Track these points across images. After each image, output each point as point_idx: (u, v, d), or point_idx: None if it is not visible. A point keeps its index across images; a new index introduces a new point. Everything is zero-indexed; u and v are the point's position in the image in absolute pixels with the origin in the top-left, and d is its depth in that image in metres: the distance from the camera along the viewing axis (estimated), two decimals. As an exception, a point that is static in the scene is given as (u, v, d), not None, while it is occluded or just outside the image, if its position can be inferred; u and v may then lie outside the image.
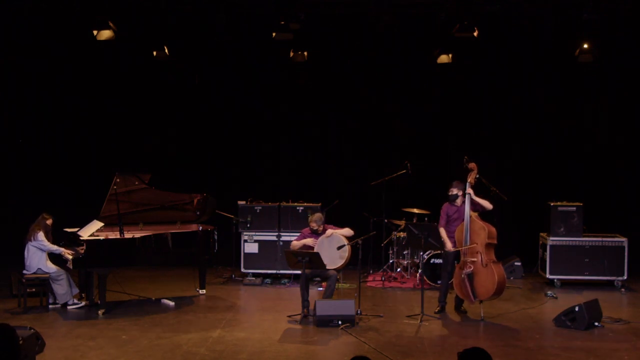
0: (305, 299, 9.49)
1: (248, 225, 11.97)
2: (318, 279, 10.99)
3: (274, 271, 11.95)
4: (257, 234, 12.01)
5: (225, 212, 11.83)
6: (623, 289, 11.42)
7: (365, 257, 11.76)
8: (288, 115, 13.64)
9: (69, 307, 10.00)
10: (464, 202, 9.77)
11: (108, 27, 11.62)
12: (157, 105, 13.68)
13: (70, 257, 9.86)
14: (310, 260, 9.30)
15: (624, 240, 11.56)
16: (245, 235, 12.02)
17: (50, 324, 9.21)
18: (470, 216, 9.47)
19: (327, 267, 9.53)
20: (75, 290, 10.15)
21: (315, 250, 9.62)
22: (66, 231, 10.31)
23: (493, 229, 9.44)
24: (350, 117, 13.58)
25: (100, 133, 13.62)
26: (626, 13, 11.97)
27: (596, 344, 8.53)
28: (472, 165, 9.74)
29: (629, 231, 11.81)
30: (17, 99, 13.55)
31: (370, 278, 12.05)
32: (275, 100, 13.61)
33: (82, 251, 9.71)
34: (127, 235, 9.99)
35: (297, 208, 12.01)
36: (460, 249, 9.54)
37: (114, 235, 9.98)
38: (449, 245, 9.72)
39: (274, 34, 11.87)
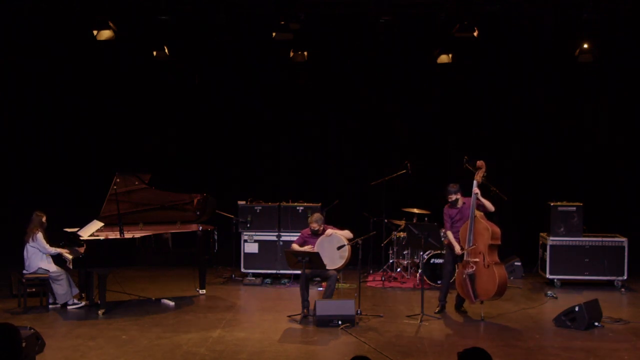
0: (305, 299, 9.49)
1: (248, 225, 11.97)
2: (318, 279, 10.99)
3: (274, 271, 11.96)
4: (257, 234, 12.01)
5: (225, 212, 11.83)
6: (623, 289, 11.42)
7: (365, 257, 11.76)
8: (288, 115, 13.64)
9: (69, 307, 10.00)
10: (464, 202, 9.78)
11: (108, 27, 11.61)
12: (157, 105, 13.69)
13: (70, 257, 9.86)
14: (310, 260, 9.30)
15: (624, 240, 11.57)
16: (245, 235, 12.02)
17: (50, 324, 9.21)
18: (475, 216, 9.45)
19: (327, 267, 9.53)
20: (75, 290, 10.15)
21: (315, 250, 9.62)
22: (66, 231, 10.31)
23: (497, 230, 9.42)
24: (350, 117, 13.59)
25: (100, 133, 13.62)
26: (626, 13, 11.97)
27: (596, 344, 8.53)
28: (480, 163, 9.70)
29: (629, 231, 11.82)
30: (17, 99, 13.55)
31: (370, 278, 12.05)
32: (275, 100, 13.61)
33: (82, 251, 9.71)
34: (127, 235, 9.99)
35: (297, 208, 12.01)
36: (463, 251, 9.53)
37: (114, 235, 9.98)
38: (457, 249, 9.68)
39: (274, 34, 11.87)
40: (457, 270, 9.87)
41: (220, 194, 11.71)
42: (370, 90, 13.51)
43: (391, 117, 13.51)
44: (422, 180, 12.66)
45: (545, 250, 11.71)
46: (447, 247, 9.97)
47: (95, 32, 11.66)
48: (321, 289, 10.99)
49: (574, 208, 11.63)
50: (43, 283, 9.95)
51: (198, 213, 10.94)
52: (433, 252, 11.27)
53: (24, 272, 9.94)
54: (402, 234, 11.82)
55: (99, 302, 9.84)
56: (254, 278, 11.91)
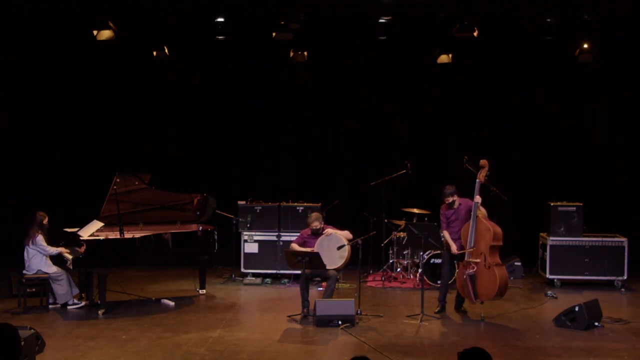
0: (305, 299, 9.49)
1: (248, 225, 11.97)
2: (318, 279, 10.99)
3: (274, 271, 11.95)
4: (257, 234, 12.01)
5: (225, 212, 11.83)
6: (623, 289, 11.42)
7: (365, 257, 11.77)
8: (288, 115, 13.64)
9: (69, 307, 10.00)
10: (460, 203, 9.79)
11: (108, 27, 11.61)
12: (157, 105, 13.69)
13: (70, 257, 9.86)
14: (310, 260, 9.30)
15: (624, 240, 11.56)
16: (245, 235, 12.02)
17: (50, 324, 9.21)
18: (477, 216, 9.45)
19: (327, 267, 9.53)
20: (76, 290, 10.15)
21: (315, 250, 9.62)
22: (66, 231, 10.31)
23: (499, 231, 9.41)
24: (350, 117, 13.58)
25: (100, 133, 13.62)
26: (626, 13, 11.97)
27: (596, 344, 8.53)
28: (483, 162, 9.69)
29: (629, 231, 11.82)
30: (17, 99, 13.54)
31: (370, 278, 12.05)
32: (275, 100, 13.61)
33: (82, 251, 9.71)
34: (127, 235, 9.99)
35: (297, 208, 12.01)
36: (463, 251, 9.53)
37: (114, 235, 9.98)
38: (453, 248, 9.72)
39: (274, 34, 11.86)
40: (457, 271, 9.87)
41: (220, 194, 11.71)
42: (370, 90, 13.51)
43: (391, 117, 13.51)
44: (422, 180, 12.66)
45: (545, 250, 11.71)
46: (444, 247, 9.98)
47: (95, 32, 11.65)
48: (321, 289, 10.98)
49: (574, 208, 11.63)
50: (43, 283, 9.95)
51: (198, 213, 10.94)
52: (433, 252, 11.27)
53: (24, 272, 9.94)
54: (402, 234, 11.82)
55: (99, 302, 9.84)
56: (254, 278, 11.91)
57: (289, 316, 9.55)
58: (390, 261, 12.13)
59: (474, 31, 11.58)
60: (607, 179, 13.19)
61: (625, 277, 11.51)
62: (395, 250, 12.02)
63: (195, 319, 9.57)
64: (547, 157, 13.35)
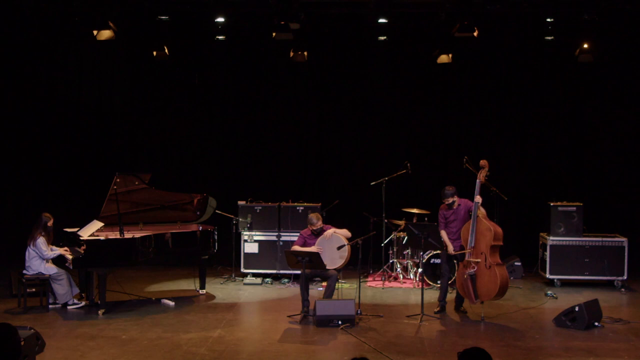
0: (305, 299, 9.49)
1: (248, 225, 11.98)
2: (318, 279, 10.99)
3: (274, 271, 11.95)
4: (257, 234, 12.01)
5: (225, 212, 11.83)
6: (623, 289, 11.42)
7: (365, 257, 11.78)
8: (288, 115, 13.64)
9: (69, 307, 10.00)
10: (459, 204, 9.79)
11: (108, 27, 11.61)
12: (157, 105, 13.69)
13: (70, 257, 9.86)
14: (310, 260, 9.30)
15: (624, 240, 11.56)
16: (245, 235, 12.02)
17: (50, 324, 9.21)
18: (477, 216, 9.45)
19: (327, 267, 9.53)
20: (76, 290, 10.15)
21: (315, 251, 9.61)
22: (66, 231, 10.31)
23: (499, 230, 9.40)
24: (350, 117, 13.58)
25: (100, 133, 13.62)
26: (626, 13, 11.97)
27: (596, 344, 8.52)
28: (483, 162, 9.69)
29: (629, 231, 11.81)
30: (17, 99, 13.53)
31: (370, 278, 12.05)
32: (275, 100, 13.61)
33: (82, 251, 9.71)
34: (127, 235, 9.99)
35: (297, 208, 12.01)
36: (463, 251, 9.52)
37: (114, 235, 9.98)
38: (450, 248, 9.73)
39: (274, 34, 11.87)
40: (457, 270, 9.87)
41: (220, 194, 11.71)
42: (370, 90, 13.51)
43: (391, 117, 13.50)
44: (422, 180, 12.66)
45: (545, 250, 11.70)
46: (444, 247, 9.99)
47: (95, 32, 11.65)
48: (321, 289, 10.98)
49: (574, 208, 11.63)
50: (43, 283, 9.95)
51: (198, 213, 10.94)
52: (433, 252, 11.27)
53: (24, 272, 9.93)
54: (402, 234, 11.82)
55: (99, 302, 9.84)
56: (254, 278, 11.90)
57: (289, 316, 9.55)
58: (390, 261, 12.13)
59: (474, 31, 11.58)
60: (607, 179, 13.19)
61: (625, 277, 11.50)
62: (395, 250, 12.02)
63: (195, 319, 9.57)
64: (547, 157, 13.36)
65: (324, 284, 10.52)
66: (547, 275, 11.66)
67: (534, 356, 8.10)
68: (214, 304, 10.42)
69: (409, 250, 11.83)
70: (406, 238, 11.65)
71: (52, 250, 10.00)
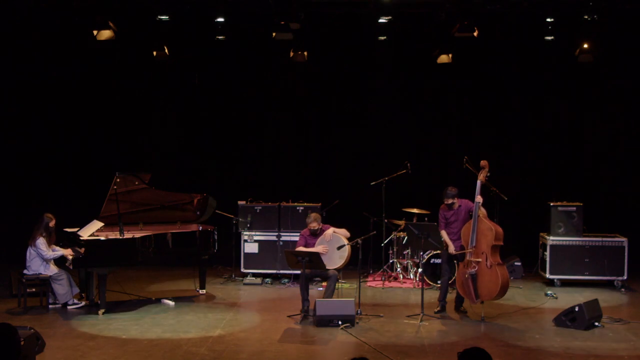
0: (305, 299, 9.49)
1: (248, 225, 11.97)
2: (318, 279, 10.99)
3: (274, 271, 11.95)
4: (257, 234, 12.01)
5: (225, 212, 11.82)
6: (623, 289, 11.42)
7: (365, 257, 11.77)
8: (288, 115, 13.64)
9: (69, 307, 10.00)
10: (459, 205, 9.79)
11: (108, 27, 11.61)
12: (157, 105, 13.69)
13: (70, 257, 9.85)
14: (310, 260, 9.30)
15: (624, 240, 11.56)
16: (245, 235, 12.02)
17: (50, 324, 9.21)
18: (479, 216, 9.45)
19: (327, 267, 9.52)
20: (76, 290, 10.15)
21: (315, 251, 9.61)
22: (66, 231, 10.31)
23: (500, 230, 9.40)
24: (350, 117, 13.58)
25: (100, 133, 13.61)
26: (626, 13, 11.97)
27: (596, 344, 8.52)
28: (483, 162, 9.70)
29: (629, 231, 11.81)
30: (17, 99, 13.53)
31: (370, 278, 12.05)
32: (275, 100, 13.62)
33: (82, 251, 9.71)
34: (127, 235, 9.99)
35: (297, 208, 12.01)
36: (463, 251, 9.52)
37: (114, 235, 9.98)
38: (451, 248, 9.73)
39: (274, 34, 11.86)
40: (458, 270, 9.87)
41: (220, 194, 11.70)
42: (370, 90, 13.51)
43: (391, 117, 13.50)
44: (422, 180, 12.66)
45: (545, 250, 11.71)
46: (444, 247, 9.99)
47: (95, 32, 11.65)
48: (321, 289, 10.98)
49: (574, 208, 11.63)
50: (43, 283, 9.95)
51: (198, 213, 10.94)
52: (433, 252, 11.26)
53: (25, 272, 9.93)
54: (402, 234, 11.82)
55: (99, 302, 9.83)
56: (254, 278, 11.90)
57: (289, 316, 9.55)
58: (390, 261, 12.13)
59: (474, 31, 11.58)
60: (607, 179, 13.18)
61: (625, 277, 11.50)
62: (395, 250, 12.02)
63: (195, 319, 9.57)
64: (547, 157, 13.36)
65: (324, 284, 10.52)
66: (547, 275, 11.66)
67: (534, 356, 8.10)
68: (214, 304, 10.42)
69: (409, 250, 11.83)
70: (406, 238, 11.65)
71: (53, 250, 9.98)
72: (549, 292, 11.06)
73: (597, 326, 9.14)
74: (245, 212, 12.02)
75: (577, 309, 9.11)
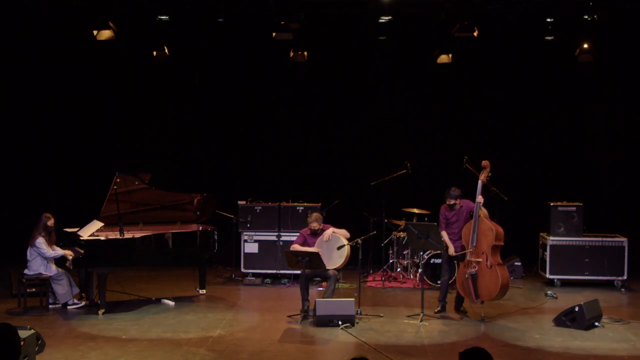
0: (305, 299, 9.49)
1: (248, 225, 11.97)
2: (318, 279, 10.98)
3: (274, 271, 11.95)
4: (257, 234, 12.01)
5: (225, 212, 11.82)
6: (623, 289, 11.42)
7: (365, 257, 11.77)
8: (288, 115, 13.64)
9: (69, 307, 10.00)
10: (461, 206, 9.79)
11: (108, 27, 11.60)
12: (157, 105, 13.68)
13: (70, 257, 9.85)
14: (310, 260, 9.30)
15: (624, 240, 11.56)
16: (245, 235, 12.02)
17: (50, 324, 9.21)
18: (479, 215, 9.45)
19: (327, 267, 9.52)
20: (76, 290, 10.15)
21: (315, 250, 9.61)
22: (66, 231, 10.31)
23: (501, 230, 9.40)
24: (351, 117, 13.58)
25: (100, 133, 13.61)
26: (626, 13, 11.97)
27: (596, 344, 8.53)
28: (485, 163, 9.69)
29: (629, 231, 11.81)
30: (17, 99, 13.53)
31: (370, 278, 12.05)
32: (275, 100, 13.61)
33: (82, 251, 9.71)
34: (127, 235, 9.99)
35: (297, 208, 12.01)
36: (464, 251, 9.52)
37: (114, 235, 9.98)
38: (451, 250, 9.73)
39: (274, 34, 11.86)
40: (458, 270, 9.87)
41: (220, 194, 11.70)
42: (370, 90, 13.50)
43: (391, 117, 13.50)
44: (422, 180, 12.65)
45: (545, 250, 11.71)
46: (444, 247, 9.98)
47: (95, 32, 11.64)
48: (321, 289, 10.98)
49: (574, 208, 11.63)
50: (43, 283, 9.94)
51: (198, 213, 10.94)
52: (433, 252, 11.26)
53: (25, 272, 9.91)
54: (402, 234, 11.82)
55: (99, 302, 9.83)
56: (254, 278, 11.91)
57: (289, 316, 9.55)
58: (390, 261, 12.13)
59: (474, 31, 11.58)
60: (607, 179, 13.18)
61: (625, 277, 11.50)
62: (395, 250, 12.02)
63: (195, 319, 9.57)
64: (547, 157, 13.35)
65: (324, 284, 10.52)
66: (547, 275, 11.66)
67: (534, 356, 8.10)
68: (214, 304, 10.42)
69: (409, 250, 11.83)
70: (406, 238, 11.64)
71: (53, 250, 9.97)
72: (549, 292, 11.06)
73: (597, 326, 9.15)
74: (245, 212, 12.02)
75: (577, 309, 9.11)
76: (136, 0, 12.08)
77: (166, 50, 12.44)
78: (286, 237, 11.84)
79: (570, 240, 11.59)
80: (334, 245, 9.71)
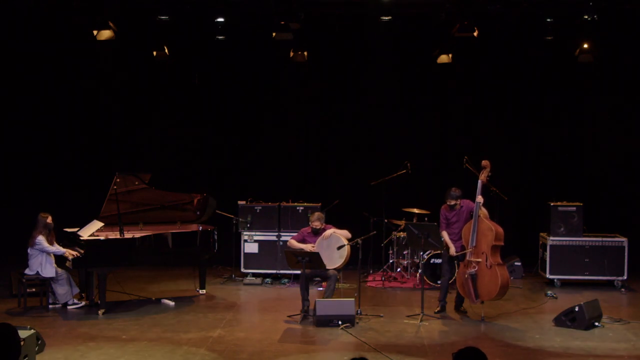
0: (305, 299, 9.49)
1: (248, 225, 11.97)
2: (318, 279, 10.98)
3: (274, 271, 11.95)
4: (257, 234, 12.01)
5: (225, 212, 11.82)
6: (623, 289, 11.42)
7: (365, 257, 11.76)
8: (288, 115, 13.64)
9: (69, 307, 10.00)
10: (461, 206, 9.78)
11: (108, 27, 11.60)
12: (157, 105, 13.68)
13: (70, 257, 9.85)
14: (310, 260, 9.30)
15: (624, 240, 11.56)
16: (245, 235, 12.02)
17: (50, 324, 9.21)
18: (479, 216, 9.44)
19: (327, 267, 9.52)
20: (76, 290, 10.15)
21: (315, 250, 9.61)
22: (66, 231, 10.31)
23: (501, 230, 9.40)
24: (351, 117, 13.58)
25: (100, 133, 13.61)
26: (626, 13, 11.97)
27: (596, 344, 8.53)
28: (485, 162, 9.69)
29: (629, 231, 11.81)
30: (16, 99, 13.53)
31: (370, 278, 12.05)
32: (275, 100, 13.61)
33: (82, 251, 9.71)
34: (127, 235, 9.99)
35: (297, 208, 12.01)
36: (464, 252, 9.52)
37: (114, 235, 9.98)
38: (452, 250, 9.72)
39: (274, 34, 11.86)
40: (458, 270, 9.87)
41: (220, 194, 11.70)
42: (370, 90, 13.50)
43: (391, 117, 13.50)
44: (422, 180, 12.65)
45: (545, 250, 11.70)
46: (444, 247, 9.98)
47: (95, 32, 11.64)
48: (321, 289, 10.98)
49: (574, 208, 11.63)
50: (43, 283, 9.94)
51: (198, 213, 10.94)
52: (433, 252, 11.26)
53: (25, 272, 9.91)
54: (402, 234, 11.81)
55: (99, 302, 9.83)
56: (254, 278, 11.90)
57: (289, 316, 9.55)
58: (390, 261, 12.13)
59: (474, 31, 11.58)
60: (607, 179, 13.18)
61: (625, 277, 11.50)
62: (395, 250, 12.02)
63: (195, 319, 9.57)
64: (547, 157, 13.35)
65: (324, 284, 10.52)
66: (547, 275, 11.66)
67: (534, 356, 8.10)
68: (214, 304, 10.42)
69: (409, 250, 11.83)
70: (406, 238, 11.64)
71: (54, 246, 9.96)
72: (549, 292, 11.06)
73: (597, 326, 9.15)
74: (245, 212, 12.02)
75: (577, 309, 9.11)
76: (136, 0, 12.08)
77: (166, 50, 12.45)
78: (286, 237, 11.80)
79: (570, 240, 11.59)
80: (334, 245, 9.72)
